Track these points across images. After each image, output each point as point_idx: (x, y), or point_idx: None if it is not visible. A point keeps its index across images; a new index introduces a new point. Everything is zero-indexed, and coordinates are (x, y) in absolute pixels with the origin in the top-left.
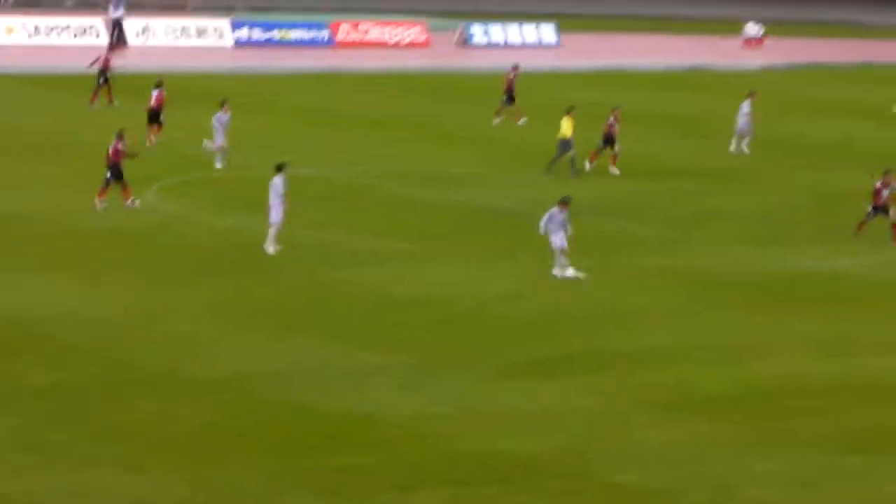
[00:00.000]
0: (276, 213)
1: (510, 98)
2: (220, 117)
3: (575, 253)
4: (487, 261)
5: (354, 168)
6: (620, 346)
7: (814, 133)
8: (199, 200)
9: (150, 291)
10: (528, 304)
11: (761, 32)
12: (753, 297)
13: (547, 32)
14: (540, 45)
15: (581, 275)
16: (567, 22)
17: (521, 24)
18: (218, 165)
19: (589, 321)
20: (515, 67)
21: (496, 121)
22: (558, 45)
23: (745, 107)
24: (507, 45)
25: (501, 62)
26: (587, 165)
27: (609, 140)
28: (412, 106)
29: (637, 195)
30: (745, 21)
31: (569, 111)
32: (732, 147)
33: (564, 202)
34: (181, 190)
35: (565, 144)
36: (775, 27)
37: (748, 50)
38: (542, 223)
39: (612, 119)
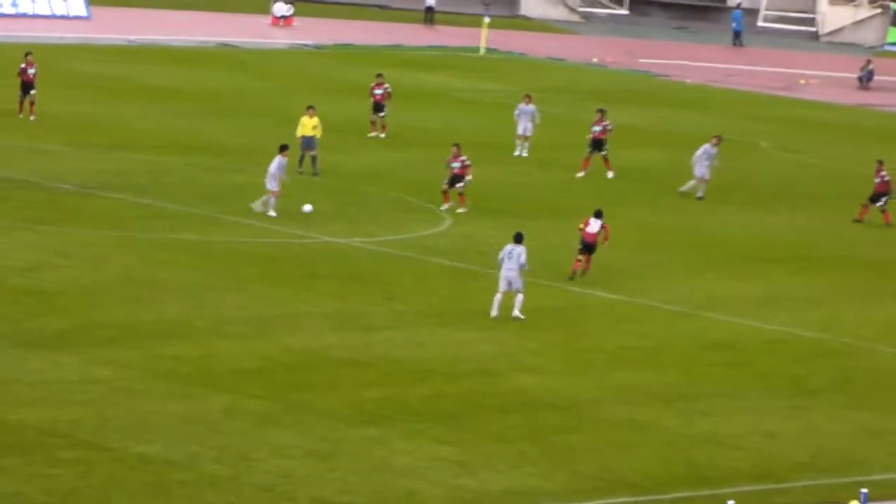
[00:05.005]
0: None
1: None
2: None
3: (92, 225)
4: (4, 231)
5: None
6: (138, 318)
7: (338, 112)
8: None
9: None
10: (47, 274)
11: (290, 12)
12: (281, 271)
13: (76, 5)
14: (69, 17)
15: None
16: None
17: None
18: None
19: (107, 294)
20: None
21: None
22: (89, 17)
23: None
24: (35, 16)
25: (29, 33)
26: None
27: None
28: None
29: (158, 170)
30: (275, 0)
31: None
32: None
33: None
34: None
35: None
36: (304, 7)
37: (277, 29)
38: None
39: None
